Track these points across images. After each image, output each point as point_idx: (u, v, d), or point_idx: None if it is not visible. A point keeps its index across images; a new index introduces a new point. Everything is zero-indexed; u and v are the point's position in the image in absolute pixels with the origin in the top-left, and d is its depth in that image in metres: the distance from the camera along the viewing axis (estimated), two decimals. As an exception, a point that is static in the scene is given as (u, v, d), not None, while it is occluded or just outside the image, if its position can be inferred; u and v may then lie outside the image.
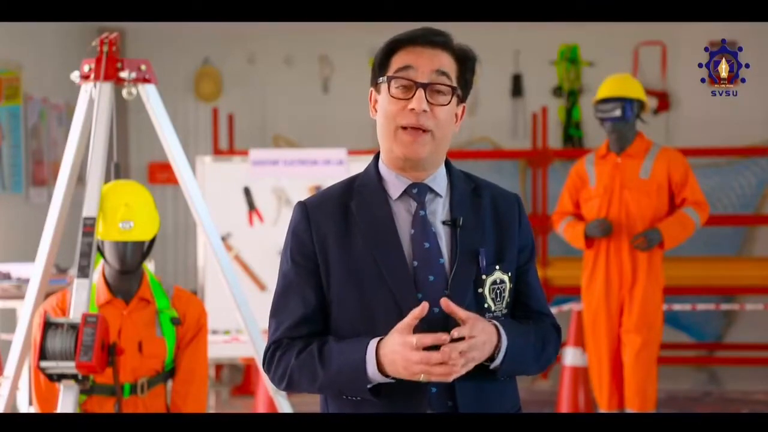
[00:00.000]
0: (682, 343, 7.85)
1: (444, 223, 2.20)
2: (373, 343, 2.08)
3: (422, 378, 2.04)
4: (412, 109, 2.13)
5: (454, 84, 2.17)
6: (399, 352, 2.04)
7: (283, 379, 2.18)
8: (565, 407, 5.91)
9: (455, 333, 2.04)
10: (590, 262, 5.36)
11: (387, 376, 2.07)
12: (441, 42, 2.18)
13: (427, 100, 2.14)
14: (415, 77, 2.14)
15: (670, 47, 7.95)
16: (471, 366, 2.07)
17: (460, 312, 2.06)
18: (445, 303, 2.07)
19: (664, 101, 7.94)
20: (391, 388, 2.10)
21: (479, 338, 2.06)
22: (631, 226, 5.23)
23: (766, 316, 7.61)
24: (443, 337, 2.03)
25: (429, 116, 2.14)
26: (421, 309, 2.05)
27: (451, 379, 2.05)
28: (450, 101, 2.17)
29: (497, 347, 2.11)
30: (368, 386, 2.08)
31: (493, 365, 2.13)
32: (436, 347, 2.03)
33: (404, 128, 2.15)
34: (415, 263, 2.15)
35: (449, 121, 2.19)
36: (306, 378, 2.14)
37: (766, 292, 7.55)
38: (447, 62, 2.17)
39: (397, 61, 2.17)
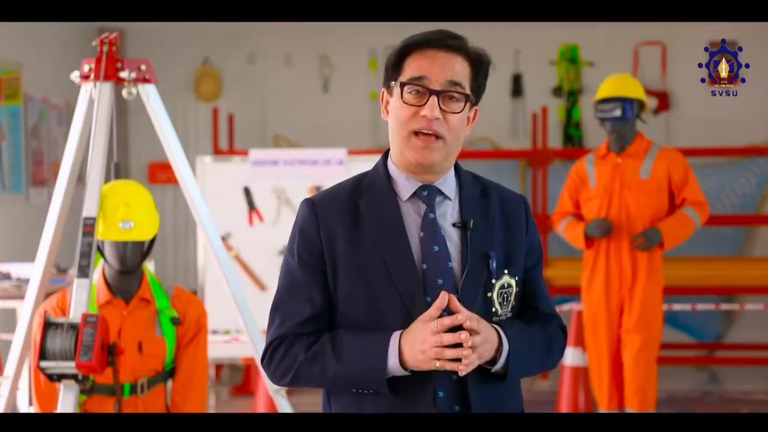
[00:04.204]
0: (682, 343, 7.84)
1: (454, 225, 2.19)
2: (396, 334, 2.08)
3: (437, 365, 2.04)
4: (425, 116, 2.12)
5: (467, 92, 2.15)
6: (419, 338, 2.05)
7: (287, 373, 2.16)
8: (565, 407, 5.91)
9: (467, 323, 2.05)
10: (590, 262, 5.35)
11: (406, 369, 2.07)
12: (455, 46, 2.15)
13: (440, 107, 2.12)
14: (428, 85, 2.12)
15: (670, 47, 7.95)
16: (476, 364, 2.07)
17: (461, 313, 2.06)
18: (453, 301, 2.07)
19: (664, 101, 7.94)
20: (398, 389, 2.09)
21: (482, 335, 2.07)
22: (631, 226, 5.23)
23: (766, 316, 7.60)
24: (460, 317, 2.04)
25: (441, 122, 2.12)
26: (441, 299, 2.06)
27: (461, 370, 2.03)
28: (463, 108, 2.15)
29: (498, 350, 2.11)
30: (386, 378, 2.07)
31: (494, 368, 2.12)
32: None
33: (416, 134, 2.13)
34: (424, 266, 2.13)
35: (461, 126, 2.17)
36: (317, 370, 2.12)
37: (766, 292, 7.54)
38: (460, 68, 2.14)
39: (411, 65, 2.15)
